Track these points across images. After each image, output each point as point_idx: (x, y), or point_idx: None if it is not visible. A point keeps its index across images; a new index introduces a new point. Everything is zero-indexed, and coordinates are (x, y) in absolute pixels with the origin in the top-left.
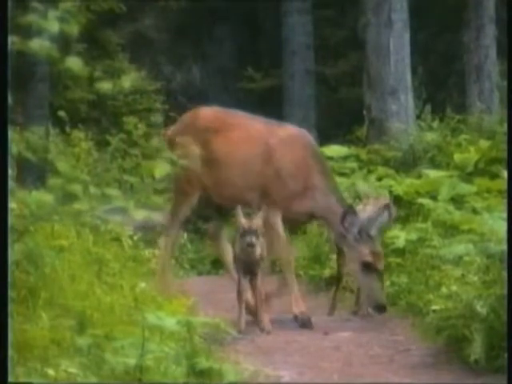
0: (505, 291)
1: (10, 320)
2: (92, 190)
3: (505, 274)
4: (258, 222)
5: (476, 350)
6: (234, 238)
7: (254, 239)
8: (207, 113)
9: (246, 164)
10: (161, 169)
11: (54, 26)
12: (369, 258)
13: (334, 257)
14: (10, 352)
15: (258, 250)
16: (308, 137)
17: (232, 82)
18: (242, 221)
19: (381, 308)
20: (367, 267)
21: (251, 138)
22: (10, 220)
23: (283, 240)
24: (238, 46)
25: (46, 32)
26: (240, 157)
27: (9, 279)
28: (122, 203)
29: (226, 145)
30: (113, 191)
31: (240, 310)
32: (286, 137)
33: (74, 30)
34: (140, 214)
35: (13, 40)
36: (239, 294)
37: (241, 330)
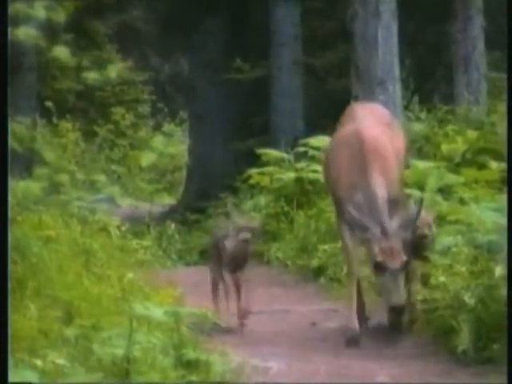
0: (504, 291)
1: (9, 319)
2: (79, 176)
3: (502, 269)
4: (255, 221)
5: (464, 340)
6: (224, 233)
7: (249, 236)
8: (349, 108)
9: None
10: (147, 158)
11: (40, 14)
12: (379, 258)
13: (322, 247)
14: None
15: (251, 247)
16: (366, 133)
17: (220, 73)
18: (240, 219)
19: (392, 311)
20: (377, 267)
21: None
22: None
23: (345, 248)
24: (226, 38)
25: (33, 19)
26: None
27: (9, 282)
28: (108, 191)
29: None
30: (100, 177)
31: (221, 304)
32: (343, 133)
33: (61, 17)
34: (126, 201)
35: None
36: (226, 288)
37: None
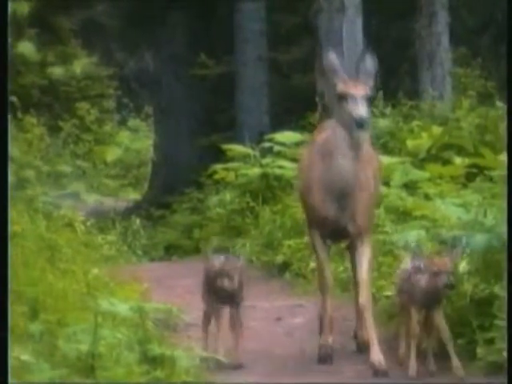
0: (468, 286)
1: (9, 320)
2: (44, 168)
3: (466, 264)
4: (234, 262)
5: None
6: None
7: (226, 282)
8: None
9: None
10: (113, 154)
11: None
12: None
13: (287, 243)
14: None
15: (235, 285)
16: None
17: (185, 68)
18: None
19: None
20: None
21: None
22: None
23: (318, 258)
24: (191, 33)
25: None
26: None
27: (9, 285)
28: (74, 187)
29: None
30: (65, 168)
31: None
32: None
33: (24, 9)
34: (92, 198)
35: None
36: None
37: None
